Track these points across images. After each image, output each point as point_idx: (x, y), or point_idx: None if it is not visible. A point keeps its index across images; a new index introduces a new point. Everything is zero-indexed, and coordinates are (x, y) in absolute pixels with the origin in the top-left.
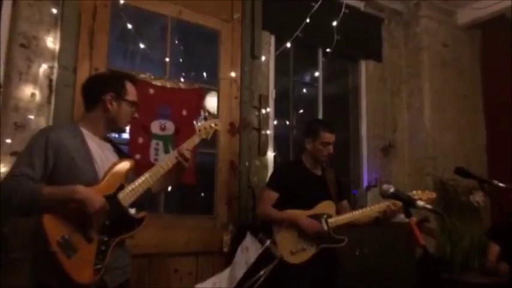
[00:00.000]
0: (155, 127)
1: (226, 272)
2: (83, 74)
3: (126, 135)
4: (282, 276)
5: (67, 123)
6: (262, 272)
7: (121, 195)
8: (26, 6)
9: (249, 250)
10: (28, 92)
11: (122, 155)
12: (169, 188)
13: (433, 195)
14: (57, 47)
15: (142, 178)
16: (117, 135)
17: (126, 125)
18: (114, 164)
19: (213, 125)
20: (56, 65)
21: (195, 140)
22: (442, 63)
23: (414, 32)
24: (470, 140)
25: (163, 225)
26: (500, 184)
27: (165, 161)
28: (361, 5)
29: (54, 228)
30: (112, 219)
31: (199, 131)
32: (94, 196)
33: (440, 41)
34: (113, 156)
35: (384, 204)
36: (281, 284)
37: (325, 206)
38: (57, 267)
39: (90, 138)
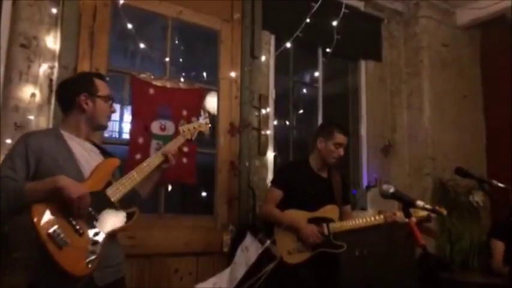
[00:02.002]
0: (155, 127)
1: (226, 272)
2: None
3: (126, 135)
4: (281, 276)
5: (47, 128)
6: (262, 272)
7: (109, 191)
8: (26, 6)
9: (249, 250)
10: (28, 92)
11: (107, 155)
12: (170, 188)
13: (444, 212)
14: (57, 47)
15: (129, 175)
16: (117, 136)
17: (106, 121)
18: (100, 163)
19: (196, 126)
20: (56, 65)
21: (180, 140)
22: (442, 63)
23: (414, 32)
24: (470, 140)
25: (163, 225)
26: (500, 184)
27: (151, 160)
28: (361, 5)
29: (44, 221)
30: (102, 214)
31: (183, 132)
32: (73, 184)
33: (440, 41)
34: (97, 156)
35: (382, 217)
36: (280, 283)
37: (329, 210)
38: (51, 262)
39: (73, 140)
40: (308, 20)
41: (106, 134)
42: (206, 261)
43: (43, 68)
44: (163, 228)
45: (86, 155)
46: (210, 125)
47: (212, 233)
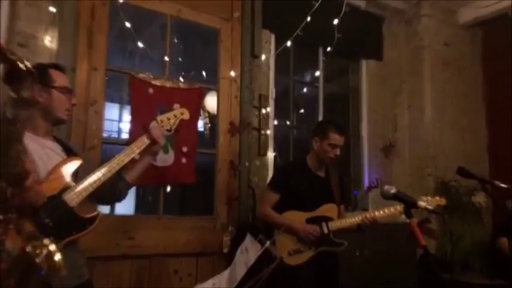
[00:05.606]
0: None
1: (226, 273)
2: (82, 74)
3: (126, 135)
4: (280, 277)
5: None
6: (261, 274)
7: (67, 195)
8: (24, 5)
9: (249, 251)
10: None
11: (70, 154)
12: (169, 189)
13: (443, 202)
14: (55, 46)
15: (93, 176)
16: (116, 135)
17: (64, 114)
18: (58, 164)
19: (177, 114)
20: None
21: (160, 130)
22: (443, 63)
23: (415, 31)
24: (472, 140)
25: (163, 225)
26: (502, 185)
27: (121, 156)
28: (362, 4)
29: None
30: (57, 220)
31: (162, 122)
32: None
33: (441, 40)
34: (58, 156)
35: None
36: (280, 285)
37: (328, 209)
38: None
39: (29, 138)
40: (308, 19)
41: (105, 134)
42: (206, 262)
43: None
44: (163, 229)
45: (43, 154)
46: (187, 111)
47: (212, 234)
